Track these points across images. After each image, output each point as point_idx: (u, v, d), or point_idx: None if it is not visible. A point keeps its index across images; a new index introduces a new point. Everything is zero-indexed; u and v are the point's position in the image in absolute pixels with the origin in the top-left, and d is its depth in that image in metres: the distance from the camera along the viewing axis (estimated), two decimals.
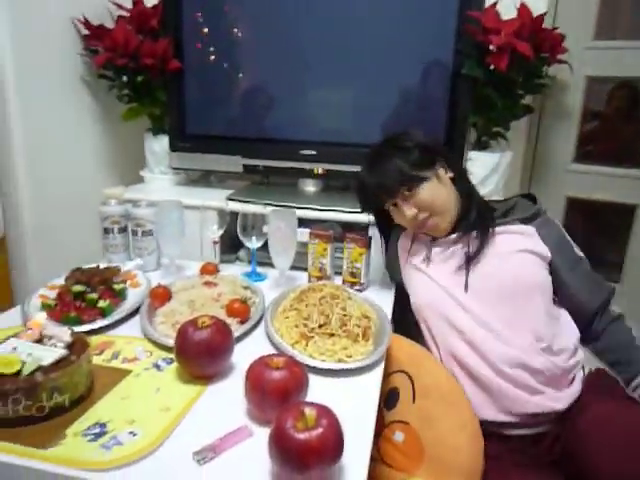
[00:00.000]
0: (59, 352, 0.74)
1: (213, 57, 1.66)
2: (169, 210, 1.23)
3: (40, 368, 0.71)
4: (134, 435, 0.67)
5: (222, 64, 1.67)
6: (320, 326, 0.91)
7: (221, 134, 1.73)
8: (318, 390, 0.77)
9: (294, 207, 1.45)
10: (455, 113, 1.52)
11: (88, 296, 1.03)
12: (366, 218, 1.25)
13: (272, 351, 0.91)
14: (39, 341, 0.78)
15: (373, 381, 0.85)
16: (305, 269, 1.27)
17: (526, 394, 0.95)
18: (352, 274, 1.22)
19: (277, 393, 0.68)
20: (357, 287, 1.20)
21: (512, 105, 1.51)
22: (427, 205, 1.04)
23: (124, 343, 0.93)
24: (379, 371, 0.87)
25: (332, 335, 0.90)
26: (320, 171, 1.65)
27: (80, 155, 1.80)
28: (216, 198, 1.61)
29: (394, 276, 1.26)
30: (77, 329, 0.93)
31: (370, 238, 1.22)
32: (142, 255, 1.30)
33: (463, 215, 1.09)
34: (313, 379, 0.79)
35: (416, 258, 1.14)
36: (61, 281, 1.13)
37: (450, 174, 1.09)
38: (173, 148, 1.75)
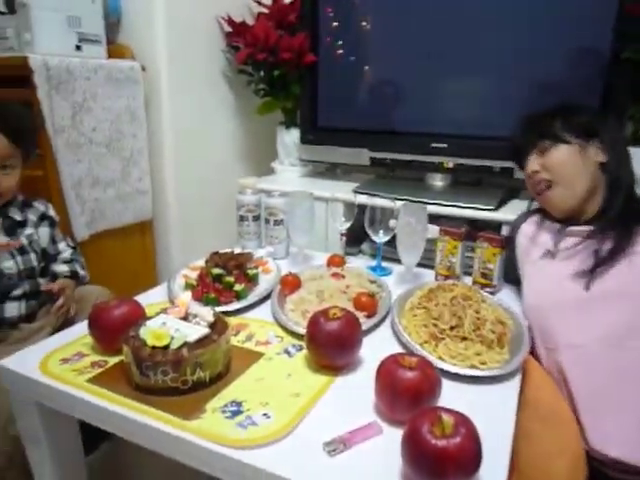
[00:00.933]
0: (203, 330, 0.79)
1: (344, 50, 1.67)
2: (300, 200, 1.26)
3: (186, 344, 0.76)
4: (268, 417, 0.69)
5: (353, 57, 1.67)
6: (452, 328, 0.87)
7: (350, 127, 1.74)
8: (448, 395, 0.74)
9: (423, 202, 1.41)
10: (609, 104, 1.36)
11: (225, 279, 1.09)
12: (499, 216, 1.17)
13: (398, 348, 0.89)
14: (184, 318, 0.84)
15: (509, 393, 0.79)
16: (431, 267, 1.23)
17: None
18: (484, 275, 1.15)
19: (409, 394, 0.66)
20: (488, 289, 1.13)
21: None
22: (554, 167, 1.01)
23: (257, 326, 0.97)
24: (515, 383, 0.81)
25: (464, 339, 0.86)
26: (450, 165, 1.58)
27: (218, 147, 1.92)
28: (343, 190, 1.62)
29: (509, 273, 1.16)
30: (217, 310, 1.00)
31: (504, 238, 1.15)
32: (273, 243, 1.36)
33: (605, 208, 1.00)
34: (443, 383, 0.76)
35: (537, 250, 1.05)
36: (201, 263, 1.21)
37: (602, 158, 1.00)
38: (303, 140, 1.80)
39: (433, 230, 1.21)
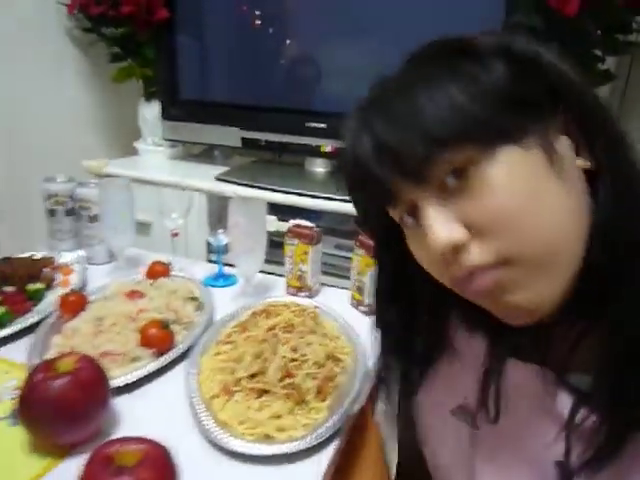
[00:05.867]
0: None
1: (208, 5, 1.38)
2: (114, 191, 0.98)
3: None
4: None
5: (217, 14, 1.38)
6: (252, 376, 0.63)
7: (217, 101, 1.46)
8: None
9: (294, 193, 1.16)
10: None
11: None
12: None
13: (188, 405, 0.63)
14: None
15: (317, 471, 0.55)
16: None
17: None
18: (359, 290, 0.92)
19: None
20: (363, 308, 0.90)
21: (584, 69, 1.12)
22: (501, 218, 0.37)
23: (1, 371, 0.69)
24: (325, 457, 0.57)
25: (265, 392, 0.61)
26: (329, 149, 1.34)
27: (60, 121, 1.58)
28: (205, 177, 1.35)
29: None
30: None
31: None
32: (91, 244, 1.07)
33: (588, 284, 0.39)
34: (219, 460, 0.53)
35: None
36: None
37: (584, 161, 0.41)
38: (165, 116, 1.50)
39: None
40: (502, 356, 0.45)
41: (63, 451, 0.54)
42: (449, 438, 0.52)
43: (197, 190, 1.25)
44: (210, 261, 1.29)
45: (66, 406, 0.53)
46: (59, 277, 0.95)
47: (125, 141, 1.67)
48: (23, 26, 1.40)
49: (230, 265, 1.01)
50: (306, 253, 0.93)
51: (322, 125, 1.31)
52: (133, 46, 1.43)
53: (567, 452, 0.42)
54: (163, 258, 0.99)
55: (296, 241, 0.93)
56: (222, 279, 1.02)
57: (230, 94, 1.45)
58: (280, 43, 1.39)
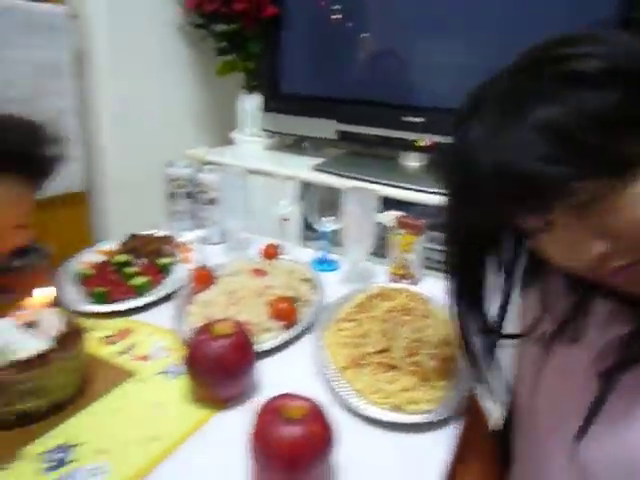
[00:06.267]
0: (37, 346, 0.60)
1: (313, 3, 1.43)
2: (233, 177, 1.06)
3: (13, 363, 0.57)
4: (96, 476, 0.51)
5: (323, 12, 1.44)
6: (380, 352, 0.68)
7: (316, 94, 1.52)
8: (358, 443, 0.55)
9: (387, 185, 1.21)
10: None
11: (125, 270, 0.90)
12: None
13: (312, 373, 0.70)
14: (32, 324, 0.65)
15: (442, 442, 0.60)
16: None
17: None
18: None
19: (283, 460, 0.47)
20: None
21: None
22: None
23: (146, 334, 0.78)
24: (450, 430, 0.62)
25: (393, 367, 0.66)
26: (426, 143, 1.37)
27: (168, 111, 1.70)
28: (301, 167, 1.42)
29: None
30: (98, 308, 0.81)
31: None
32: (206, 225, 1.16)
33: None
34: (354, 425, 0.58)
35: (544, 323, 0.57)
36: (112, 246, 1.02)
37: None
38: (266, 108, 1.58)
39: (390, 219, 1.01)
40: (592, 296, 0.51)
41: (219, 403, 0.62)
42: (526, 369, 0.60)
43: (296, 179, 1.31)
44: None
45: (225, 364, 0.60)
46: (178, 254, 1.04)
47: (221, 131, 1.77)
48: (144, 23, 1.52)
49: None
50: (412, 243, 0.97)
51: (418, 119, 1.34)
52: (240, 41, 1.51)
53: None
54: (272, 241, 1.06)
55: (403, 231, 0.97)
56: (326, 264, 1.08)
57: (328, 88, 1.50)
58: (379, 38, 1.43)
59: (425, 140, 1.36)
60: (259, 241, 1.17)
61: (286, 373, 0.69)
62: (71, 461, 0.52)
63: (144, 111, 1.60)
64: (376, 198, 0.94)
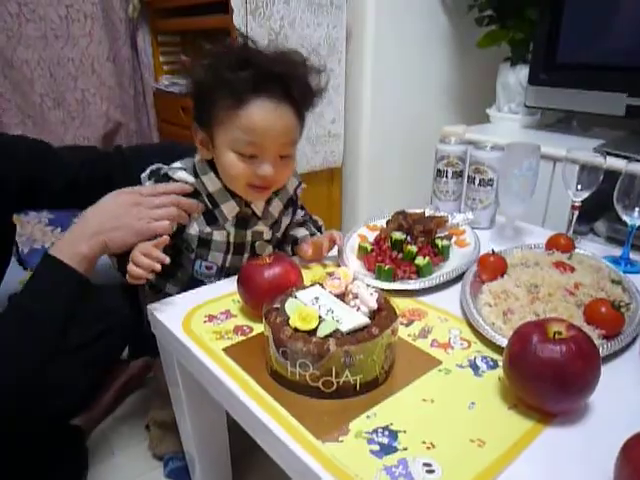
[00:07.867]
0: (361, 319, 0.59)
1: None
2: (520, 156, 0.94)
3: (336, 333, 0.57)
4: (431, 472, 0.47)
5: None
6: None
7: (602, 63, 1.29)
8: None
9: None
10: None
11: (407, 247, 0.87)
12: None
13: None
14: (343, 296, 0.65)
15: None
16: None
17: None
18: None
19: None
20: None
21: None
22: None
23: (437, 318, 0.73)
24: None
25: None
26: None
27: (423, 87, 1.65)
28: (580, 148, 1.22)
29: None
30: (386, 285, 0.79)
31: None
32: (475, 208, 1.07)
33: None
34: None
35: None
36: (382, 222, 1.01)
37: None
38: (533, 81, 1.41)
39: None
40: None
41: (548, 417, 0.53)
42: None
43: (577, 162, 1.12)
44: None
45: (565, 374, 0.51)
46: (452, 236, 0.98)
47: (476, 108, 1.66)
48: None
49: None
50: None
51: None
52: (511, 8, 1.36)
53: None
54: (560, 232, 0.92)
55: None
56: (627, 264, 0.90)
57: (619, 56, 1.26)
58: None
59: None
60: (531, 230, 1.05)
61: (619, 393, 0.57)
62: (398, 448, 0.50)
63: (402, 87, 1.57)
64: None
